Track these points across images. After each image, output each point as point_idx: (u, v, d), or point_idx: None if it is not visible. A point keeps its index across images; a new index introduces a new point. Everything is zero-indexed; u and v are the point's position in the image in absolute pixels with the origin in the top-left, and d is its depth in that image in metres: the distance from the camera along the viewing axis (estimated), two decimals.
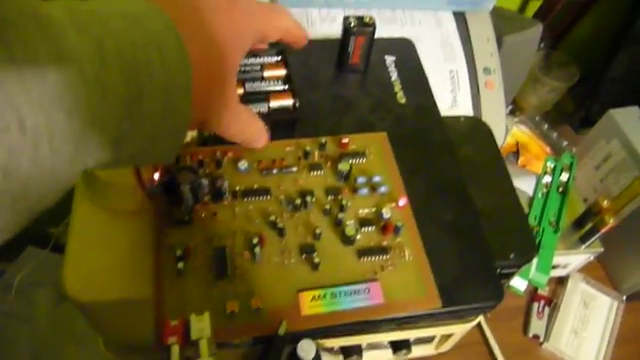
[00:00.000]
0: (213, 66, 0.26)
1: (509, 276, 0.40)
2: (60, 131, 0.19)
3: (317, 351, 0.36)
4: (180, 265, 0.30)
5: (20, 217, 0.21)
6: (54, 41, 0.19)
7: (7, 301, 0.88)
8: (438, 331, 0.47)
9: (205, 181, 0.33)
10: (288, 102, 0.36)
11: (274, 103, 0.36)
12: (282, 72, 0.37)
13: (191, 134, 0.38)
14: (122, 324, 0.36)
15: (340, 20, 0.41)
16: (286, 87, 0.37)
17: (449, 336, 0.49)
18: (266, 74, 0.37)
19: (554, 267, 0.56)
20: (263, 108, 0.36)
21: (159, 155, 0.25)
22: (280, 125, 0.37)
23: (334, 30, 0.50)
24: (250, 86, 0.36)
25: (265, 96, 0.36)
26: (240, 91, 0.36)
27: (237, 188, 0.34)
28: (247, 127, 0.31)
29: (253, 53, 0.37)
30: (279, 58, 0.38)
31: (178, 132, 0.25)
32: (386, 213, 0.34)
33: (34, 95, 0.18)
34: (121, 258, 0.33)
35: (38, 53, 0.18)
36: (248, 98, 0.36)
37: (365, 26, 0.39)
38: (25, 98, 0.18)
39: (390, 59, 0.44)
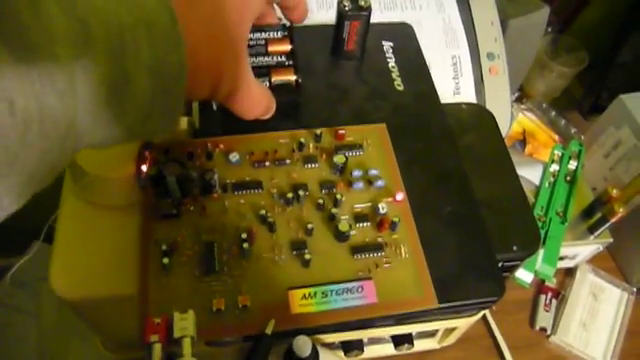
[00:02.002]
0: (221, 36, 0.25)
1: (512, 269, 0.38)
2: (50, 114, 0.19)
3: (314, 347, 0.35)
4: (165, 260, 0.29)
5: (12, 192, 0.21)
6: (41, 20, 0.19)
7: (14, 296, 0.88)
8: (441, 325, 0.46)
9: (194, 174, 0.32)
10: (291, 78, 0.35)
11: (276, 78, 0.35)
12: (287, 47, 0.36)
13: (181, 124, 0.36)
14: (112, 321, 0.35)
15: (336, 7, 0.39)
16: (289, 63, 0.36)
17: (453, 330, 0.48)
18: (270, 49, 0.36)
19: (562, 258, 0.55)
20: (265, 83, 0.35)
21: (151, 134, 0.25)
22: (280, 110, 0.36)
23: (331, 17, 0.49)
24: (253, 61, 0.35)
25: (267, 71, 0.35)
26: None
27: (228, 181, 0.33)
28: (259, 102, 0.30)
29: (258, 27, 0.36)
30: (285, 33, 0.37)
31: (171, 113, 0.24)
32: (382, 208, 0.32)
33: (25, 77, 0.18)
34: (109, 254, 0.32)
35: (30, 34, 0.18)
36: None
37: (360, 10, 0.38)
38: (15, 80, 0.18)
39: (387, 45, 0.42)
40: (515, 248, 0.36)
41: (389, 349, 0.49)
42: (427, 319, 0.38)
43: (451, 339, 0.51)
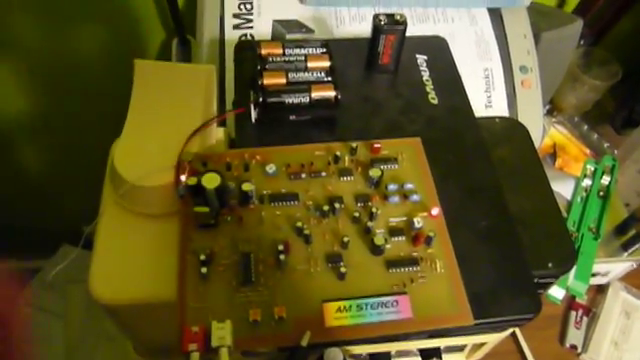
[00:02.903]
0: None
1: (547, 286, 0.38)
2: None
3: (344, 358, 0.35)
4: (204, 270, 0.30)
5: None
6: None
7: (42, 297, 0.90)
8: (470, 340, 0.45)
9: (232, 184, 0.32)
10: (330, 94, 0.36)
11: (316, 94, 0.35)
12: (326, 64, 0.37)
13: (217, 134, 0.37)
14: (148, 327, 0.36)
15: (370, 19, 0.39)
16: (329, 79, 0.36)
17: (481, 345, 0.48)
18: (310, 65, 0.37)
19: (594, 275, 0.54)
20: (305, 99, 0.35)
21: None
22: (315, 123, 0.36)
23: (363, 29, 0.49)
24: (293, 76, 0.36)
25: (307, 87, 0.36)
26: (283, 80, 0.36)
27: (264, 192, 0.33)
28: None
29: (298, 44, 0.37)
30: (324, 50, 0.37)
31: None
32: (418, 223, 0.32)
33: None
34: (147, 261, 0.33)
35: None
36: (290, 88, 0.35)
37: (396, 24, 0.38)
38: None
39: (422, 58, 0.42)
40: (550, 265, 0.35)
41: None
42: (460, 334, 0.38)
43: (479, 354, 0.50)
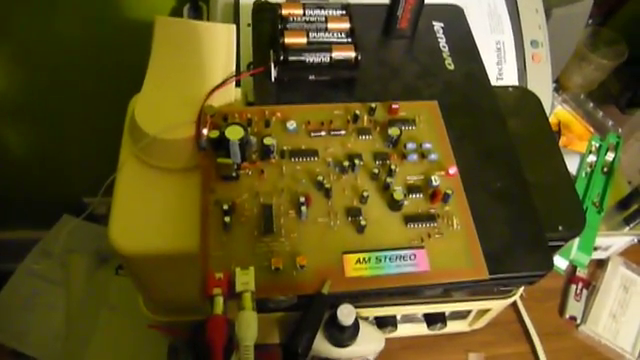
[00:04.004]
0: None
1: (556, 249, 0.39)
2: None
3: (356, 317, 0.36)
4: (227, 219, 0.30)
5: None
6: None
7: (44, 267, 0.91)
8: (475, 305, 0.46)
9: (253, 139, 0.33)
10: (350, 54, 0.36)
11: (337, 54, 0.36)
12: (346, 25, 0.37)
13: (235, 94, 0.37)
14: (166, 280, 0.36)
15: None
16: (349, 40, 0.37)
17: (485, 312, 0.49)
18: (330, 26, 0.37)
19: (595, 249, 0.55)
20: (325, 58, 0.36)
21: None
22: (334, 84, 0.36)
23: None
24: (314, 36, 0.36)
25: (328, 46, 0.36)
26: (303, 40, 0.36)
27: (285, 148, 0.33)
28: None
29: (318, 5, 0.37)
30: (344, 12, 0.37)
31: None
32: (435, 180, 0.33)
33: None
34: (167, 213, 0.33)
35: None
36: (311, 47, 0.36)
37: None
38: None
39: (438, 25, 0.42)
40: (561, 228, 0.36)
41: (421, 328, 0.50)
42: (469, 295, 0.39)
43: (482, 322, 0.51)
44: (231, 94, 0.37)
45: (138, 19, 0.65)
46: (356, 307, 0.35)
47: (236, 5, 0.48)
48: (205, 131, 0.33)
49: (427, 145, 0.35)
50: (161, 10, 0.64)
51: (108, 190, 0.36)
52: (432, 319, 0.47)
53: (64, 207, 0.95)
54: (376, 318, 0.46)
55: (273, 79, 0.37)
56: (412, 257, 0.31)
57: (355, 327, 0.37)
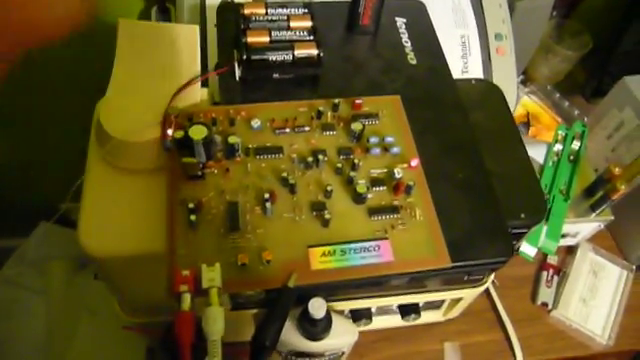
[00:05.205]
0: None
1: (519, 237, 0.40)
2: None
3: (328, 310, 0.37)
4: (192, 217, 0.30)
5: None
6: None
7: (22, 274, 0.90)
8: (447, 295, 0.47)
9: (218, 137, 0.33)
10: (313, 52, 0.36)
11: (299, 52, 0.36)
12: (308, 23, 0.38)
13: (201, 94, 0.38)
14: (137, 280, 0.36)
15: None
16: (311, 38, 0.37)
17: (458, 301, 0.50)
18: (292, 24, 0.38)
19: (564, 236, 0.56)
20: (288, 56, 0.36)
21: None
22: (297, 82, 0.37)
23: None
24: (276, 35, 0.37)
25: (290, 45, 0.36)
26: (266, 39, 0.37)
27: (250, 146, 0.34)
28: None
29: (281, 4, 0.37)
30: (306, 10, 0.38)
31: None
32: (398, 173, 0.34)
33: None
34: (135, 215, 0.34)
35: None
36: (274, 46, 0.36)
37: None
38: None
39: (401, 21, 0.43)
40: (523, 215, 0.37)
41: (396, 320, 0.51)
42: (438, 284, 0.40)
43: (455, 312, 0.52)
44: (197, 94, 0.37)
45: (106, 23, 0.64)
46: (329, 301, 0.36)
47: (202, 6, 0.49)
48: (170, 132, 0.33)
49: (390, 139, 0.35)
50: (129, 12, 0.63)
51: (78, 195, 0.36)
52: (406, 310, 0.48)
53: (41, 214, 0.94)
54: (351, 311, 0.47)
55: (237, 78, 0.37)
56: (376, 248, 0.32)
57: (328, 320, 0.38)
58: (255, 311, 0.42)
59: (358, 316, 0.47)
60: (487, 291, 0.56)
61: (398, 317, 0.50)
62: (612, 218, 0.55)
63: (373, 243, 0.32)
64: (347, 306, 0.46)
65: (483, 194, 0.35)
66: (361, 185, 0.33)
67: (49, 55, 0.67)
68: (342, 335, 0.42)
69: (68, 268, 0.89)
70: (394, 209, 0.33)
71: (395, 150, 0.35)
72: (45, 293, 0.88)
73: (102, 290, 0.90)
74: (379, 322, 0.50)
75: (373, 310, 0.48)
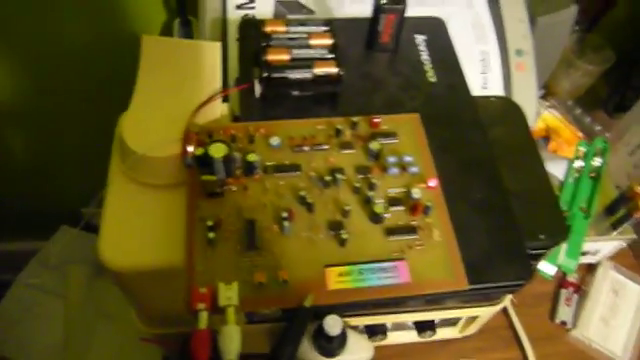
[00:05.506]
0: None
1: (538, 257, 0.39)
2: None
3: (343, 327, 0.37)
4: (211, 235, 0.31)
5: None
6: None
7: (42, 277, 0.91)
8: (464, 313, 0.47)
9: (237, 155, 0.33)
10: (332, 70, 0.37)
11: (319, 70, 0.36)
12: (329, 41, 0.38)
13: (222, 109, 0.38)
14: (155, 294, 0.37)
15: (368, 1, 0.41)
16: (332, 56, 0.37)
17: (474, 319, 0.49)
18: (313, 42, 0.38)
19: (584, 254, 0.55)
20: (308, 74, 0.37)
21: None
22: (317, 99, 0.37)
23: (363, 11, 0.50)
24: (296, 53, 0.37)
25: (311, 63, 0.37)
26: (286, 57, 0.37)
27: (268, 163, 0.34)
28: None
29: (301, 22, 0.38)
30: (326, 28, 0.38)
31: None
32: (416, 193, 0.34)
33: None
34: (155, 229, 0.34)
35: None
36: (294, 64, 0.37)
37: (396, 3, 0.39)
38: None
39: (420, 38, 0.43)
40: (542, 236, 0.37)
41: (412, 336, 0.50)
42: (455, 303, 0.40)
43: (472, 329, 0.52)
44: (217, 110, 0.38)
45: (128, 33, 0.66)
46: (344, 316, 0.36)
47: (224, 20, 0.49)
48: (190, 148, 0.34)
49: (408, 158, 0.35)
50: (152, 24, 0.65)
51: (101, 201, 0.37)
52: (422, 327, 0.48)
53: (62, 218, 0.96)
54: (366, 327, 0.47)
55: (257, 95, 0.38)
56: (393, 269, 0.32)
57: (343, 337, 0.38)
58: (269, 325, 0.42)
59: (373, 332, 0.47)
60: (504, 308, 0.55)
61: (413, 333, 0.50)
62: (634, 237, 0.54)
63: (390, 264, 0.32)
64: (362, 322, 0.46)
65: (502, 215, 0.35)
66: (379, 205, 0.33)
67: (71, 60, 0.68)
68: (357, 352, 0.41)
69: (87, 273, 0.91)
70: (412, 229, 0.33)
71: (413, 170, 0.35)
72: (64, 296, 0.89)
73: (120, 296, 0.91)
74: (394, 337, 0.50)
75: (388, 326, 0.48)
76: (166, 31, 0.64)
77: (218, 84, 0.39)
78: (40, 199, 0.95)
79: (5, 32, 0.64)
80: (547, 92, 0.70)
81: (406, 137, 0.37)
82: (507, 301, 0.46)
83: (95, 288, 0.89)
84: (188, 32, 0.59)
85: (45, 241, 0.95)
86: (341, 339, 0.38)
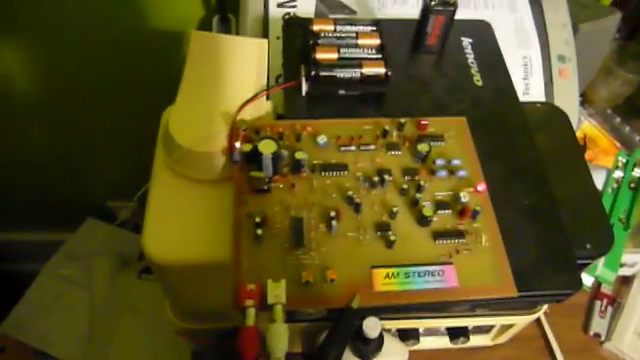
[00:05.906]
0: None
1: (583, 267, 0.38)
2: None
3: (381, 330, 0.36)
4: (259, 231, 0.31)
5: None
6: None
7: (68, 268, 0.92)
8: (499, 320, 0.46)
9: (285, 152, 0.33)
10: (380, 70, 0.36)
11: (367, 70, 0.36)
12: (376, 41, 0.38)
13: (266, 108, 0.38)
14: (196, 288, 0.37)
15: (411, 2, 0.40)
16: (379, 56, 0.37)
17: (509, 327, 0.49)
18: (361, 42, 0.38)
19: (621, 265, 0.54)
20: (356, 74, 0.36)
21: None
22: (363, 99, 0.37)
23: (405, 12, 0.50)
24: (344, 52, 0.37)
25: (359, 62, 0.36)
26: (335, 55, 0.37)
27: (315, 162, 0.34)
28: None
29: (349, 21, 0.37)
30: (374, 28, 0.38)
31: None
32: (464, 197, 0.33)
33: None
34: (200, 224, 0.34)
35: None
36: (342, 63, 0.36)
37: (446, 5, 0.38)
38: None
39: (467, 41, 0.43)
40: (588, 246, 0.36)
41: (443, 342, 0.50)
42: (495, 310, 0.39)
43: (504, 337, 0.51)
44: (261, 107, 0.38)
45: (165, 28, 0.66)
46: (380, 319, 0.36)
47: (265, 18, 0.49)
48: (238, 144, 0.34)
49: (456, 161, 0.35)
50: (190, 20, 0.65)
51: (132, 196, 0.37)
52: (455, 333, 0.47)
53: (87, 209, 0.97)
54: (399, 330, 0.47)
55: (304, 93, 0.38)
56: (441, 273, 0.31)
57: (380, 340, 0.38)
58: (304, 325, 0.42)
59: (406, 336, 0.46)
60: (537, 318, 0.55)
61: (445, 339, 0.49)
62: None
63: (438, 267, 0.31)
64: (395, 325, 0.45)
65: (550, 222, 0.34)
66: (427, 208, 0.32)
67: (104, 54, 0.69)
68: (392, 355, 0.41)
69: (112, 265, 0.91)
70: (459, 234, 0.32)
71: (461, 173, 0.35)
72: (89, 288, 0.90)
73: (145, 290, 0.92)
74: (426, 343, 0.49)
75: (421, 331, 0.47)
76: (204, 28, 0.64)
77: (264, 81, 0.39)
78: (66, 190, 0.97)
79: (40, 26, 0.65)
80: (584, 100, 0.68)
81: (453, 140, 0.36)
82: (542, 311, 0.45)
83: (119, 281, 0.89)
84: (227, 29, 0.59)
85: (70, 233, 0.97)
86: (378, 342, 0.38)
